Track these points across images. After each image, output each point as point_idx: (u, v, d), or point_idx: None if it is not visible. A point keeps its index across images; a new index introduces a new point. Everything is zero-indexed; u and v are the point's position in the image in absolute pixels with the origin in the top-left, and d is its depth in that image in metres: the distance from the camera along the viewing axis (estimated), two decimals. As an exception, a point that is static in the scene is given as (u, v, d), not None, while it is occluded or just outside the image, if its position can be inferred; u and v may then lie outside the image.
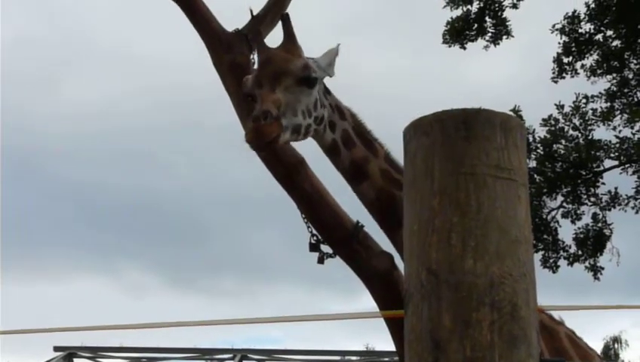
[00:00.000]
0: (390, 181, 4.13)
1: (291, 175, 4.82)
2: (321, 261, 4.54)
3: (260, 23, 5.54)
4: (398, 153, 4.16)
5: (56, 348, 17.75)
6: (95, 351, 18.45)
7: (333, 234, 4.63)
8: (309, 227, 4.63)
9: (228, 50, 5.36)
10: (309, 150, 4.55)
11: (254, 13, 5.54)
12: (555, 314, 4.32)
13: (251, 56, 5.34)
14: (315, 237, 4.58)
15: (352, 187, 4.24)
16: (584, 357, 3.86)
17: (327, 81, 4.25)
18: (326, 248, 4.57)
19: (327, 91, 4.22)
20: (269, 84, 3.89)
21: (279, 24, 4.86)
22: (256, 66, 4.12)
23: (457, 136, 1.92)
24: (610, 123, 17.07)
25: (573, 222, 17.21)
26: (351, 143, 4.18)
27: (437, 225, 1.87)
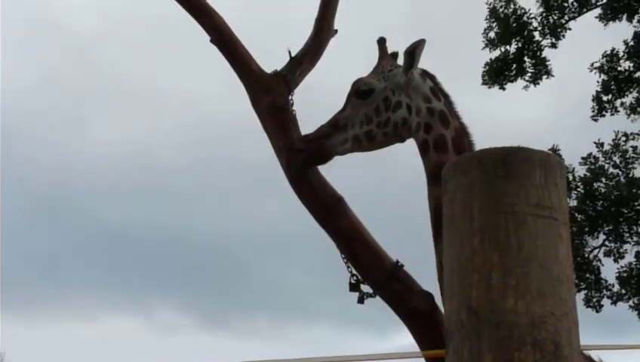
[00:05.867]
0: None
1: (330, 214, 4.82)
2: (361, 301, 4.53)
3: (298, 65, 5.59)
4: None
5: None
6: (135, 392, 18.51)
7: (373, 273, 4.62)
8: (348, 267, 4.62)
9: (267, 91, 5.40)
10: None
11: (292, 55, 5.59)
12: (595, 356, 4.26)
13: (290, 98, 5.38)
14: (355, 277, 4.57)
15: (430, 191, 4.21)
16: None
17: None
18: (366, 288, 4.57)
19: (432, 94, 4.39)
20: (345, 105, 4.44)
21: (318, 65, 4.94)
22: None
23: (496, 174, 1.91)
24: (651, 161, 16.88)
25: (615, 260, 16.96)
26: (443, 149, 4.23)
27: (477, 263, 1.87)
